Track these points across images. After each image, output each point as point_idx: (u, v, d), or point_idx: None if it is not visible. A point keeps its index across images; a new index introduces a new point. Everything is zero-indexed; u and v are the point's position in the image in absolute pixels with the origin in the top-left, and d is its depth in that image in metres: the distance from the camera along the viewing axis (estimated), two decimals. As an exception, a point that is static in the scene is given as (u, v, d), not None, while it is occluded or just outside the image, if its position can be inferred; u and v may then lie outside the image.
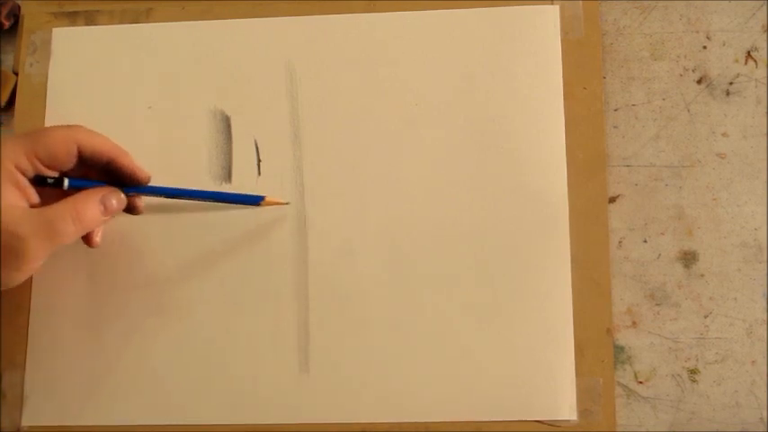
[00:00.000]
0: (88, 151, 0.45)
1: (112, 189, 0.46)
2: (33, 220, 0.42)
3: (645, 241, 0.50)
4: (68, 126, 0.46)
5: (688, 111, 0.52)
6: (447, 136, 0.51)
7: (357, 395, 0.48)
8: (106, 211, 0.46)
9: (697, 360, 0.48)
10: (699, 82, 0.52)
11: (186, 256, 0.50)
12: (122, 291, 0.50)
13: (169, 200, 0.50)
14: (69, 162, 0.45)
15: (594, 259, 0.49)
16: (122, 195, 0.47)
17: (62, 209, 0.43)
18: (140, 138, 0.53)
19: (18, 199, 0.44)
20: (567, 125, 0.51)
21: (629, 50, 0.53)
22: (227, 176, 0.52)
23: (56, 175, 0.45)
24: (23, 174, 0.44)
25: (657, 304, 0.49)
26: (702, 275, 0.49)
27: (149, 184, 0.48)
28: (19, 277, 0.43)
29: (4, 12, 0.55)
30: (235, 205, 0.51)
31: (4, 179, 0.43)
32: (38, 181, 0.45)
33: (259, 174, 0.52)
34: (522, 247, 0.49)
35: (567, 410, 0.48)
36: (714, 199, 0.50)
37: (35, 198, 0.45)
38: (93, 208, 0.45)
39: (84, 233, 0.45)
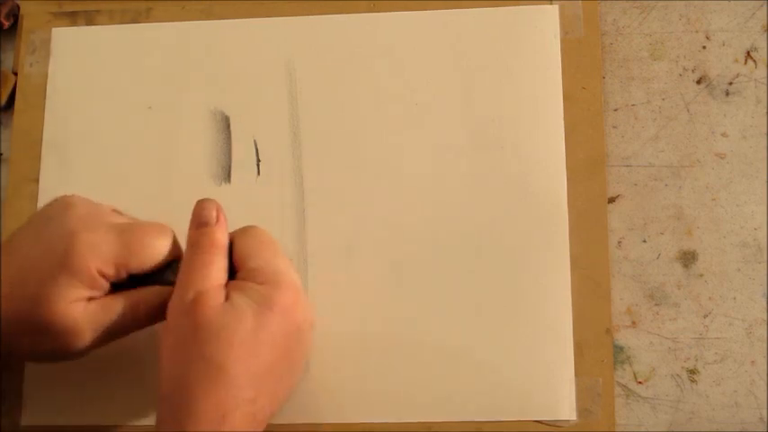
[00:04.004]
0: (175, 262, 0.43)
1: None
2: (93, 318, 0.40)
3: (644, 241, 0.50)
4: (163, 234, 0.42)
5: (687, 111, 0.52)
6: (446, 136, 0.51)
7: (357, 395, 0.48)
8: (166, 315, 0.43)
9: (696, 360, 0.48)
10: (698, 82, 0.52)
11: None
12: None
13: (168, 203, 0.50)
14: (152, 270, 0.42)
15: (594, 259, 0.49)
16: None
17: (125, 307, 0.41)
18: (140, 138, 0.53)
19: (84, 297, 0.40)
20: (566, 125, 0.51)
21: (629, 50, 0.53)
22: (227, 176, 0.52)
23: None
24: (104, 276, 0.40)
25: (657, 304, 0.49)
26: (702, 275, 0.49)
27: None
28: (71, 360, 0.43)
29: (4, 12, 0.55)
30: (234, 205, 0.51)
31: (82, 282, 0.40)
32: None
33: (258, 174, 0.52)
34: (522, 247, 0.49)
35: (567, 410, 0.48)
36: (713, 199, 0.50)
37: (105, 291, 0.42)
38: (155, 308, 0.42)
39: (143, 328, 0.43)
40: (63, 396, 0.49)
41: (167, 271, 0.42)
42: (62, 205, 0.42)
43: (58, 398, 0.49)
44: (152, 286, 0.42)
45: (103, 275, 0.40)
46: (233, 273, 0.42)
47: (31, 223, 0.43)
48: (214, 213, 0.42)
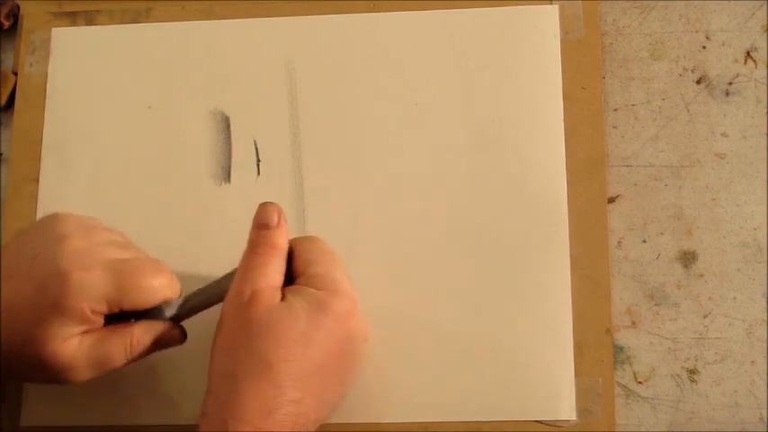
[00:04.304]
0: (169, 301, 0.43)
1: (169, 326, 0.43)
2: (87, 354, 0.41)
3: (644, 241, 0.50)
4: (158, 274, 0.41)
5: (687, 111, 0.52)
6: (446, 136, 0.51)
7: (357, 395, 0.48)
8: (159, 347, 0.43)
9: (696, 360, 0.48)
10: (698, 82, 0.52)
11: (186, 256, 0.50)
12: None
13: (168, 203, 0.50)
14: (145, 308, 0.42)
15: (594, 259, 0.49)
16: (176, 332, 0.43)
17: (118, 343, 0.41)
18: (140, 138, 0.53)
19: (77, 334, 0.40)
20: (566, 125, 0.51)
21: (629, 50, 0.53)
22: (227, 176, 0.52)
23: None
24: (97, 314, 0.40)
25: (657, 304, 0.49)
26: (702, 275, 0.49)
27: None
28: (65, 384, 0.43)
29: (4, 11, 0.55)
30: (233, 205, 0.51)
31: (75, 321, 0.40)
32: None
33: (258, 174, 0.52)
34: (522, 247, 0.49)
35: (567, 410, 0.48)
36: (713, 199, 0.50)
37: (99, 326, 0.41)
38: (148, 343, 0.42)
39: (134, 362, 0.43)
40: (63, 396, 0.49)
41: (163, 307, 0.43)
42: (55, 236, 0.41)
43: (57, 398, 0.49)
44: (146, 322, 0.42)
45: (96, 313, 0.40)
46: (292, 279, 0.43)
47: (22, 250, 0.42)
48: (276, 216, 0.42)
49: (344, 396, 0.43)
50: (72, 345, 0.40)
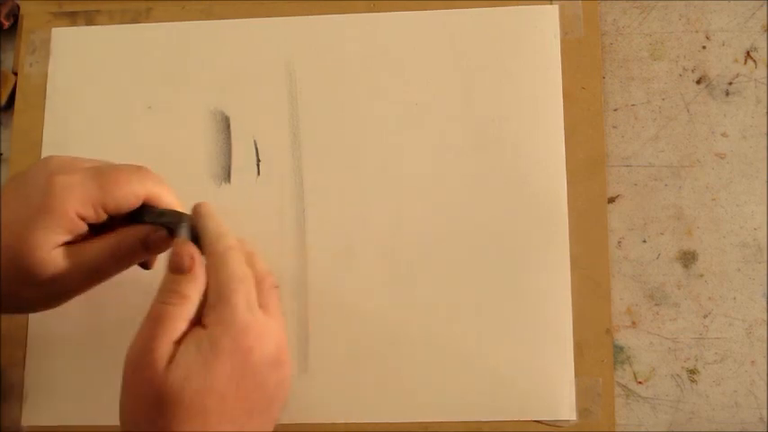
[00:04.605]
0: (150, 202, 0.43)
1: (153, 228, 0.43)
2: (77, 262, 0.41)
3: (644, 241, 0.50)
4: (138, 175, 0.42)
5: (687, 111, 0.52)
6: (446, 136, 0.51)
7: (357, 395, 0.48)
8: (148, 251, 0.43)
9: (696, 360, 0.48)
10: (698, 82, 0.52)
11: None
12: (123, 290, 0.50)
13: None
14: (129, 210, 0.42)
15: (594, 259, 0.49)
16: (162, 233, 0.43)
17: (105, 247, 0.41)
18: (140, 138, 0.53)
19: (63, 239, 0.41)
20: (566, 125, 0.51)
21: (629, 50, 0.53)
22: (227, 176, 0.52)
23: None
24: (83, 218, 0.41)
25: (657, 304, 0.49)
26: (702, 275, 0.49)
27: None
28: (56, 306, 0.43)
29: (4, 12, 0.55)
30: (234, 205, 0.51)
31: (61, 227, 0.40)
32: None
33: (258, 174, 0.52)
34: (522, 247, 0.49)
35: (567, 410, 0.48)
36: (713, 199, 0.50)
37: (84, 233, 0.42)
38: (135, 245, 0.42)
39: (124, 270, 0.43)
40: (63, 396, 0.49)
41: (143, 212, 0.42)
42: (42, 161, 0.43)
43: (58, 398, 0.49)
44: (131, 225, 0.42)
45: (82, 217, 0.41)
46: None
47: (11, 182, 0.43)
48: (186, 261, 0.40)
49: (273, 423, 0.40)
50: (60, 253, 0.40)
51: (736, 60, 0.52)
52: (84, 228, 0.41)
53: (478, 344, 0.48)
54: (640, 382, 0.49)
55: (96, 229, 0.42)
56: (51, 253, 0.40)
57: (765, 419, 0.48)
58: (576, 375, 0.48)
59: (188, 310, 0.39)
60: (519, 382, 0.48)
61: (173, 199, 0.43)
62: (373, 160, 0.51)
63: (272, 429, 0.40)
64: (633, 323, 0.49)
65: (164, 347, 0.37)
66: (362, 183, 0.51)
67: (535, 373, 0.48)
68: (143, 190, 0.42)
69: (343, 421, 0.48)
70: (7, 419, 0.49)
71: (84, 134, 0.53)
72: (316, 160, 0.52)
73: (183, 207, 0.44)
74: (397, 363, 0.49)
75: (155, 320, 0.38)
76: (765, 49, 0.52)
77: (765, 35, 0.52)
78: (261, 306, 0.39)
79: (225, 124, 0.53)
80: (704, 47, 0.52)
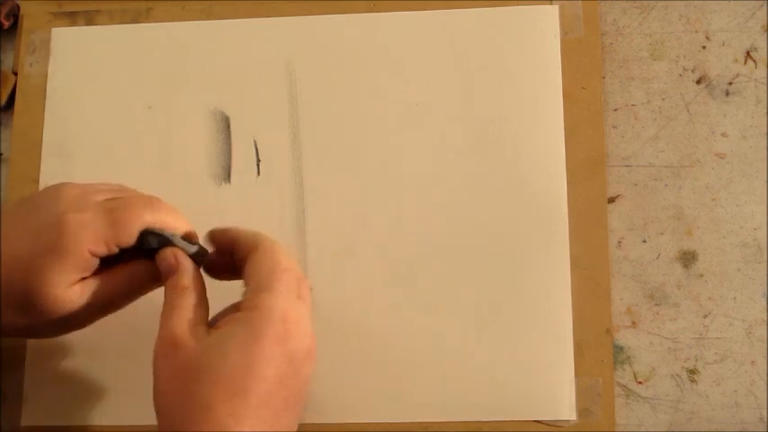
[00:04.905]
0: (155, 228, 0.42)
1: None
2: (90, 299, 0.41)
3: (644, 241, 0.50)
4: (151, 206, 0.42)
5: (687, 111, 0.52)
6: (446, 136, 0.51)
7: (357, 395, 0.48)
8: (157, 284, 0.43)
9: (696, 360, 0.48)
10: (698, 82, 0.52)
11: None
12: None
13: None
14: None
15: (594, 259, 0.49)
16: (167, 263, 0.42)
17: (117, 283, 0.42)
18: (140, 138, 0.53)
19: (76, 279, 0.41)
20: (566, 125, 0.51)
21: (629, 50, 0.53)
22: (227, 176, 0.52)
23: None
24: (95, 255, 0.40)
25: (657, 304, 0.49)
26: (702, 275, 0.49)
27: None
28: (65, 334, 0.43)
29: (4, 11, 0.55)
30: (234, 205, 0.51)
31: (75, 266, 0.40)
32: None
33: (258, 174, 0.52)
34: (522, 247, 0.49)
35: (567, 410, 0.48)
36: (713, 199, 0.50)
37: (94, 268, 0.41)
38: (147, 281, 0.42)
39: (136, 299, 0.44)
40: (63, 396, 0.49)
41: (148, 237, 0.42)
42: (52, 192, 0.42)
43: (57, 398, 0.49)
44: (142, 262, 0.42)
45: (94, 254, 0.40)
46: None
47: (20, 210, 0.42)
48: (171, 260, 0.41)
49: (300, 417, 0.40)
50: (75, 292, 0.40)
51: (736, 60, 0.52)
52: (96, 263, 0.41)
53: (478, 344, 0.48)
54: (640, 382, 0.49)
55: (108, 259, 0.42)
56: (66, 292, 0.40)
57: (765, 419, 0.48)
58: (576, 375, 0.48)
59: (194, 296, 0.40)
60: (519, 382, 0.48)
61: (186, 228, 0.43)
62: (373, 160, 0.51)
63: (297, 426, 0.40)
64: (633, 323, 0.49)
65: (192, 331, 0.39)
66: (362, 183, 0.51)
67: (535, 373, 0.48)
68: (150, 223, 0.41)
69: (343, 421, 0.48)
70: (7, 419, 0.49)
71: (84, 134, 0.53)
72: (316, 160, 0.52)
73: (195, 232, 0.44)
74: (397, 363, 0.49)
75: (167, 316, 0.39)
76: (765, 49, 0.52)
77: (765, 35, 0.52)
78: (300, 297, 0.40)
79: (225, 124, 0.53)
80: (704, 47, 0.52)
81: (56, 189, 0.42)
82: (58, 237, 0.40)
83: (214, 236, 0.43)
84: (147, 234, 0.42)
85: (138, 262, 0.42)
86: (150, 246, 0.42)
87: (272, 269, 0.40)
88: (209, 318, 0.41)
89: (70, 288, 0.40)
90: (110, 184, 0.45)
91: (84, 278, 0.41)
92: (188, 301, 0.40)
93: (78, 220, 0.40)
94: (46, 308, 0.40)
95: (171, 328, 0.39)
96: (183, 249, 0.42)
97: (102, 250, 0.40)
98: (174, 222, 0.42)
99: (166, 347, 0.39)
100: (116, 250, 0.41)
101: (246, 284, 0.40)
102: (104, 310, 0.42)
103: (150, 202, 0.42)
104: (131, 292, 0.43)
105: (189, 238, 0.43)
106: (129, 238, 0.41)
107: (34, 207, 0.42)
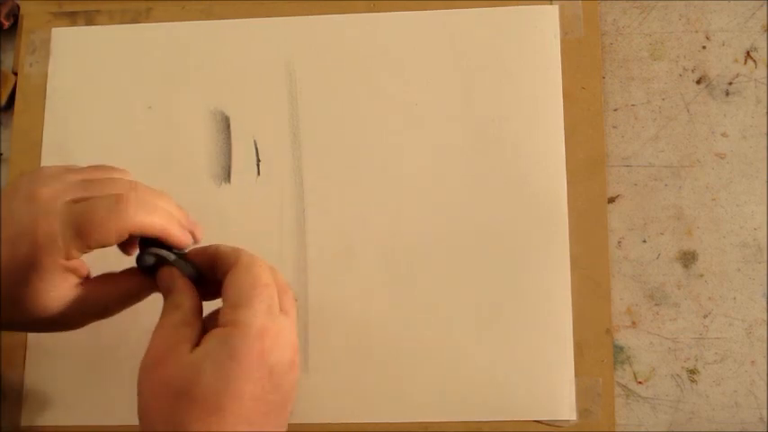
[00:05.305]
0: (138, 234, 0.41)
1: (152, 285, 0.42)
2: (79, 303, 0.41)
3: (644, 241, 0.50)
4: (116, 208, 0.40)
5: (687, 111, 0.52)
6: (446, 136, 0.51)
7: (357, 395, 0.48)
8: (149, 292, 0.43)
9: (696, 360, 0.48)
10: (698, 82, 0.52)
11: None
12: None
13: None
14: (121, 241, 0.41)
15: (594, 259, 0.49)
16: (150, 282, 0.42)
17: (105, 291, 0.42)
18: (140, 138, 0.53)
19: (66, 278, 0.40)
20: (566, 125, 0.51)
21: (629, 50, 0.53)
22: (227, 176, 0.52)
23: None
24: (72, 259, 0.40)
25: (657, 304, 0.49)
26: (702, 275, 0.49)
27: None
28: (62, 331, 0.43)
29: (4, 11, 0.55)
30: (234, 205, 0.51)
31: (54, 275, 0.39)
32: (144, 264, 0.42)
33: (258, 174, 0.52)
34: (522, 247, 0.49)
35: (567, 410, 0.48)
36: (713, 199, 0.50)
37: (85, 270, 0.41)
38: (136, 291, 0.42)
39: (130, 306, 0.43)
40: (63, 396, 0.49)
41: (145, 256, 0.42)
42: (25, 193, 0.41)
43: (58, 398, 0.49)
44: (135, 273, 0.42)
45: (72, 258, 0.40)
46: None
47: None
48: (170, 281, 0.41)
49: (284, 428, 0.40)
50: (63, 296, 0.40)
51: (736, 60, 0.52)
52: (78, 265, 0.40)
53: (478, 344, 0.48)
54: (640, 382, 0.49)
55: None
56: (51, 296, 0.40)
57: (765, 419, 0.48)
58: (576, 375, 0.48)
59: (183, 315, 0.40)
60: (519, 382, 0.48)
61: (157, 223, 0.41)
62: (373, 160, 0.51)
63: (285, 430, 0.40)
64: (633, 323, 0.49)
65: (171, 349, 0.38)
66: (362, 183, 0.51)
67: (535, 373, 0.48)
68: (123, 225, 0.40)
69: (343, 421, 0.48)
70: (7, 420, 0.49)
71: (85, 134, 0.53)
72: (316, 160, 0.52)
73: (176, 219, 0.42)
74: (397, 363, 0.49)
75: (158, 332, 0.39)
76: (765, 49, 0.52)
77: (765, 35, 0.52)
78: (282, 311, 0.40)
79: (225, 124, 0.53)
80: (704, 47, 0.52)
81: (28, 191, 0.41)
82: (31, 251, 0.39)
83: (195, 255, 0.42)
84: (144, 252, 0.42)
85: (133, 270, 0.42)
86: (146, 264, 0.42)
87: (252, 284, 0.39)
88: None
89: (56, 292, 0.40)
90: (83, 169, 0.43)
91: (78, 282, 0.41)
92: (176, 319, 0.39)
93: (47, 231, 0.39)
94: (33, 312, 0.40)
95: (155, 346, 0.39)
96: (179, 268, 0.41)
97: (77, 255, 0.40)
98: (145, 223, 0.40)
99: (149, 365, 0.39)
100: (95, 248, 0.40)
101: (224, 300, 0.39)
102: (97, 315, 0.42)
103: (116, 203, 0.40)
104: (125, 299, 0.42)
105: (180, 243, 0.42)
106: (98, 242, 0.40)
107: (8, 210, 0.41)
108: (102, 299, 0.41)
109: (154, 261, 0.42)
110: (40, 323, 0.41)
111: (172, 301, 0.41)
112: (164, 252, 0.42)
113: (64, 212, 0.40)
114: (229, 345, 0.37)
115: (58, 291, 0.40)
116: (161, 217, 0.41)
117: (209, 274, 0.42)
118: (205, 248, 0.42)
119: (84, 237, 0.39)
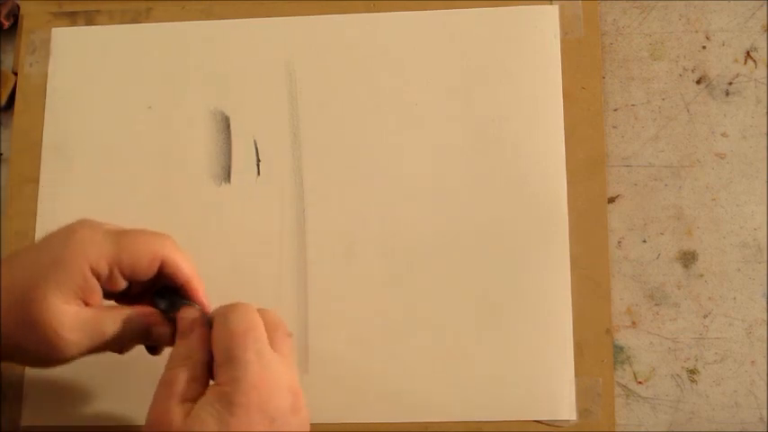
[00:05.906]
0: (168, 271, 0.42)
1: (159, 318, 0.43)
2: (82, 326, 0.40)
3: (644, 241, 0.50)
4: (158, 236, 0.42)
5: (687, 111, 0.52)
6: (446, 136, 0.51)
7: (357, 395, 0.48)
8: (150, 340, 0.43)
9: (696, 360, 0.48)
10: (698, 82, 0.52)
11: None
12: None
13: (168, 203, 0.50)
14: (146, 276, 0.42)
15: (594, 259, 0.49)
16: (166, 329, 0.42)
17: (110, 322, 0.41)
18: (140, 138, 0.53)
19: (74, 299, 0.40)
20: (566, 125, 0.51)
21: (629, 50, 0.53)
22: (227, 176, 0.52)
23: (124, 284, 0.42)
24: (97, 277, 0.40)
25: (657, 304, 0.49)
26: (702, 275, 0.49)
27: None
28: (57, 365, 0.42)
29: (4, 12, 0.55)
30: (234, 205, 0.51)
31: (72, 281, 0.40)
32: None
33: (258, 174, 0.52)
34: (522, 247, 0.49)
35: (567, 410, 0.48)
36: (713, 199, 0.50)
37: (97, 299, 0.41)
38: (140, 333, 0.42)
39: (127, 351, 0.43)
40: (63, 396, 0.49)
41: (159, 299, 0.43)
42: (70, 224, 0.42)
43: (57, 398, 0.49)
44: (141, 306, 0.42)
45: (96, 274, 0.40)
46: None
47: (40, 240, 0.43)
48: (188, 325, 0.41)
49: None
50: (69, 311, 0.40)
51: (736, 60, 0.52)
52: (96, 288, 0.41)
53: (478, 344, 0.48)
54: (640, 382, 0.49)
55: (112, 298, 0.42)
56: (61, 308, 0.40)
57: (765, 419, 0.48)
58: (576, 375, 0.48)
59: (192, 370, 0.39)
60: (519, 382, 0.48)
61: (189, 268, 0.42)
62: (373, 160, 0.51)
63: None
64: (633, 323, 0.49)
65: (176, 407, 0.38)
66: (362, 183, 0.51)
67: (535, 373, 0.48)
68: (160, 252, 0.41)
69: (343, 421, 0.48)
70: (7, 420, 0.49)
71: (85, 134, 0.53)
72: (316, 160, 0.52)
73: (199, 275, 0.43)
74: (397, 363, 0.49)
75: (165, 384, 0.39)
76: (765, 49, 0.52)
77: (765, 35, 0.52)
78: (275, 350, 0.40)
79: (225, 124, 0.53)
80: (704, 47, 0.52)
81: (76, 222, 0.42)
82: (63, 248, 0.40)
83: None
84: (162, 292, 0.42)
85: (137, 309, 0.42)
86: (159, 306, 0.42)
87: (230, 337, 0.39)
88: None
89: (65, 305, 0.40)
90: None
91: (85, 305, 0.41)
92: (189, 372, 0.39)
93: (86, 235, 0.40)
94: (39, 316, 0.39)
95: (166, 403, 0.38)
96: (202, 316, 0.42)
97: (104, 269, 0.40)
98: (176, 259, 0.42)
99: (153, 421, 0.38)
100: (120, 279, 0.41)
101: (214, 360, 0.40)
102: (93, 345, 0.41)
103: (159, 234, 0.42)
104: (122, 334, 0.42)
105: (197, 295, 0.43)
106: (132, 259, 0.40)
107: (51, 233, 0.42)
108: (100, 327, 0.41)
109: (167, 305, 0.42)
110: (34, 337, 0.40)
111: (186, 345, 0.40)
112: (186, 301, 0.42)
113: (110, 231, 0.41)
114: (226, 401, 0.37)
115: (69, 302, 0.40)
116: (190, 267, 0.42)
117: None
118: (192, 320, 0.42)
119: (121, 248, 0.40)
